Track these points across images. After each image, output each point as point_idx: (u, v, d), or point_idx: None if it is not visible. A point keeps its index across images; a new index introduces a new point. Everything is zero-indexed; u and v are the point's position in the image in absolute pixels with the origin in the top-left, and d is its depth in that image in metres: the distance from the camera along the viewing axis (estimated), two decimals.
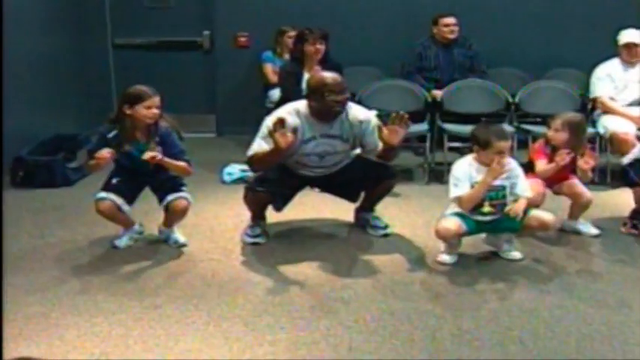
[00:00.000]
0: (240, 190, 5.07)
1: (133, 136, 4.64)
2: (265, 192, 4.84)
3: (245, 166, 6.61)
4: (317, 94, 4.67)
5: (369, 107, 6.29)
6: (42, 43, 7.12)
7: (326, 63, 6.48)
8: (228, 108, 8.70)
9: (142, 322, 3.76)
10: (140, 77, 7.74)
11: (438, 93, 7.02)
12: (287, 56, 7.44)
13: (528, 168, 4.93)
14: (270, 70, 7.74)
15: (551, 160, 4.95)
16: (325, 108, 4.68)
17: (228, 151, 7.56)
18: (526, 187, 4.56)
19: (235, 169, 6.62)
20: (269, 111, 6.64)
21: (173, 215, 4.82)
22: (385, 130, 4.64)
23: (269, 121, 4.66)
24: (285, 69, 6.70)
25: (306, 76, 6.42)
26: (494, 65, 7.78)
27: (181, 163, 4.70)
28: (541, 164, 4.97)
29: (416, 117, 6.84)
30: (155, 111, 4.60)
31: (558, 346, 3.52)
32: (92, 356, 3.41)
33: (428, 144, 6.81)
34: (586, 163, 4.85)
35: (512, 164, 4.58)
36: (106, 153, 4.47)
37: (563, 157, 4.80)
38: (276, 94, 7.03)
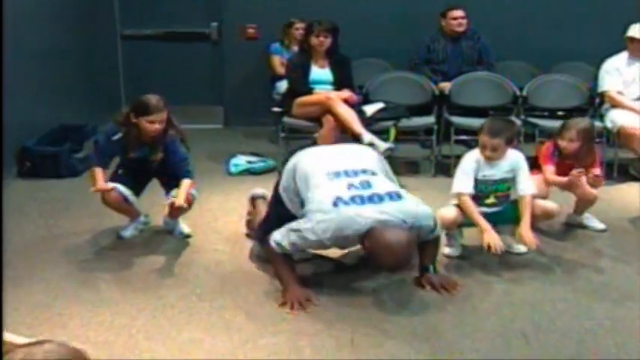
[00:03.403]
0: (245, 181, 5.06)
1: (140, 142, 4.63)
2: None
3: (251, 157, 6.65)
4: (375, 253, 3.82)
5: (376, 100, 6.32)
6: (50, 34, 7.11)
7: (334, 56, 6.49)
8: (235, 99, 8.68)
9: (146, 311, 3.78)
10: (148, 68, 7.83)
11: (445, 85, 7.00)
12: (295, 48, 7.45)
13: (534, 165, 4.88)
14: (278, 62, 7.73)
15: (559, 167, 4.91)
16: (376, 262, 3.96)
17: (234, 143, 7.56)
18: (529, 185, 4.49)
19: (242, 161, 6.61)
20: (276, 103, 6.70)
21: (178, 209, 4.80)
22: None
23: None
24: (292, 61, 6.73)
25: (313, 67, 6.44)
26: (503, 58, 7.75)
27: (186, 185, 4.62)
28: (549, 171, 4.91)
29: (423, 109, 6.86)
30: (157, 127, 4.55)
31: (560, 339, 3.53)
32: (95, 345, 3.41)
33: (435, 136, 6.79)
34: (597, 181, 4.87)
35: (515, 156, 4.54)
36: (104, 186, 4.57)
37: (577, 176, 4.75)
38: (283, 85, 7.03)
